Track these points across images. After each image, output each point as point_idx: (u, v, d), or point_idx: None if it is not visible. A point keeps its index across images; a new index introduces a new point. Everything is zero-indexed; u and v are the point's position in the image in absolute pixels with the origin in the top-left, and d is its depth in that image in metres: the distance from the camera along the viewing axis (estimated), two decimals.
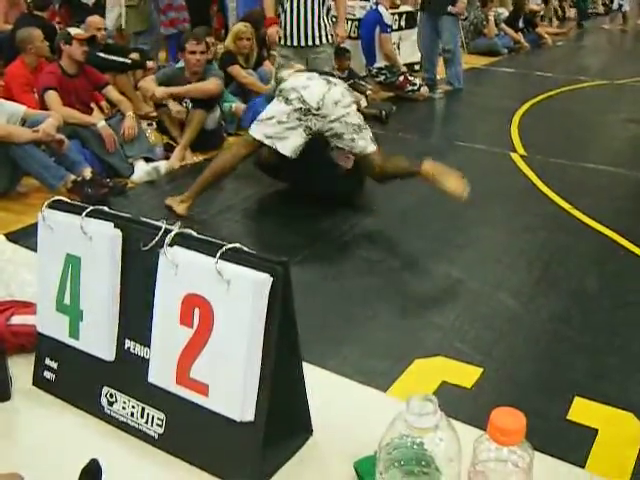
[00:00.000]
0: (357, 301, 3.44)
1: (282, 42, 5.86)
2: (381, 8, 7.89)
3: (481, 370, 2.86)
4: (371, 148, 4.22)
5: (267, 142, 4.10)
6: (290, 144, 4.11)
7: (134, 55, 6.92)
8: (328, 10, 5.88)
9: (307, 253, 3.95)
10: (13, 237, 1.63)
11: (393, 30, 8.40)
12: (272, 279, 0.93)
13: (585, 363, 2.95)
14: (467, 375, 2.83)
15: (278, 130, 4.09)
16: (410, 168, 4.24)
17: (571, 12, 16.71)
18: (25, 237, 1.59)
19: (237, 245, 0.97)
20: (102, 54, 6.41)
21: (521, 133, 6.55)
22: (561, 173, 5.50)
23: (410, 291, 3.58)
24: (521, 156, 5.83)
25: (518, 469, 0.84)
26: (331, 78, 4.28)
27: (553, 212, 4.68)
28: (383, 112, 6.84)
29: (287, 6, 5.77)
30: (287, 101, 4.09)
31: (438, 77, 8.49)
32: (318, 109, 4.09)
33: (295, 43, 5.81)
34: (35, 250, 1.24)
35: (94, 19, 6.80)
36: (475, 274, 3.77)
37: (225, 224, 4.39)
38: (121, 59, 6.60)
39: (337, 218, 4.33)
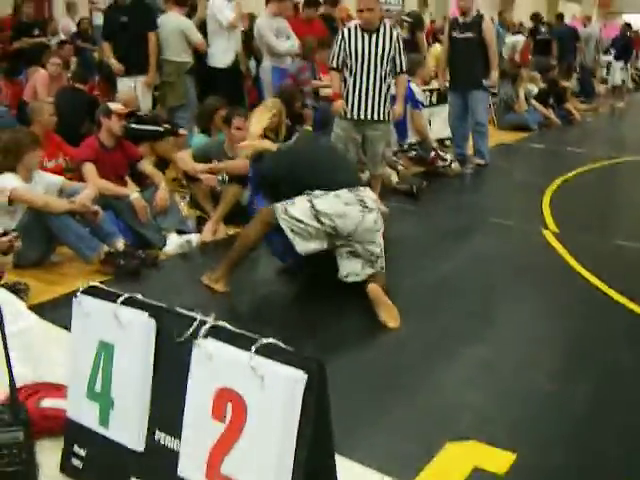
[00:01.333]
0: (387, 381, 3.39)
1: (342, 115, 6.08)
2: (413, 85, 8.02)
3: (514, 456, 2.79)
4: (369, 274, 4.20)
5: (289, 235, 4.09)
6: (308, 248, 4.13)
7: (167, 125, 7.06)
8: (389, 87, 6.07)
9: (333, 331, 3.92)
10: (43, 307, 1.64)
11: (425, 106, 8.50)
12: (307, 376, 0.92)
13: (624, 448, 2.86)
14: (500, 461, 2.75)
15: (303, 233, 4.10)
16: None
17: (601, 88, 16.82)
18: (56, 308, 1.60)
19: (272, 340, 0.96)
20: (135, 125, 6.55)
21: (553, 209, 6.53)
22: (594, 250, 5.45)
23: (441, 370, 3.52)
24: (553, 233, 5.80)
25: None
26: (366, 199, 4.23)
27: (586, 290, 4.62)
28: (414, 187, 6.88)
29: (350, 82, 6.07)
30: (319, 221, 4.09)
31: (469, 152, 8.55)
32: (349, 236, 4.15)
33: (355, 116, 6.03)
34: (65, 324, 1.24)
35: (126, 93, 7.01)
36: (507, 353, 3.72)
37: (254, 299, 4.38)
38: (153, 127, 6.74)
39: (357, 294, 4.29)
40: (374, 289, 4.02)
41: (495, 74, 7.98)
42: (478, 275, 4.85)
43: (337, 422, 1.01)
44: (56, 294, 4.24)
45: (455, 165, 8.01)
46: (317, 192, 4.17)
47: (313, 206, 4.11)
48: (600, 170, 8.62)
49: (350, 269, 4.20)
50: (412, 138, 8.09)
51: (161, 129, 6.86)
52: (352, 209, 4.14)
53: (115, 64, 7.58)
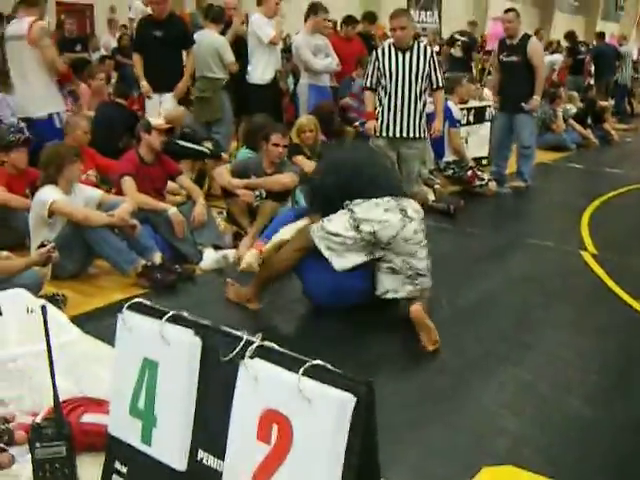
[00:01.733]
0: (422, 402, 3.36)
1: (377, 133, 6.10)
2: (450, 103, 7.99)
3: None
4: (416, 294, 4.10)
5: (326, 253, 4.05)
6: (345, 263, 4.06)
7: (208, 144, 7.12)
8: (424, 105, 6.08)
9: (372, 351, 3.89)
10: (80, 319, 1.64)
11: (462, 125, 8.47)
12: (355, 399, 0.90)
13: None
14: None
15: (340, 249, 4.04)
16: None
17: None
18: (93, 320, 1.60)
19: (319, 362, 0.95)
20: (180, 141, 6.61)
21: (591, 231, 6.45)
22: (633, 272, 5.37)
23: (477, 394, 3.48)
24: (592, 255, 5.72)
25: None
26: (408, 208, 4.14)
27: (626, 313, 4.55)
28: (451, 207, 6.85)
29: (385, 101, 6.14)
30: (357, 229, 4.02)
31: (506, 172, 8.49)
32: (388, 244, 4.05)
33: (391, 134, 6.06)
34: (101, 336, 1.24)
35: (173, 111, 7.06)
36: (544, 377, 3.66)
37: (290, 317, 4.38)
38: (199, 147, 6.80)
39: (397, 312, 4.25)
40: (416, 310, 3.90)
41: (537, 99, 7.84)
42: (515, 296, 4.79)
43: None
44: (93, 306, 4.28)
45: (492, 184, 7.95)
46: (357, 200, 4.10)
47: (352, 215, 4.05)
48: (639, 191, 8.50)
49: (389, 286, 4.12)
50: (449, 157, 8.06)
51: (206, 151, 6.91)
52: (392, 216, 4.04)
53: (145, 86, 7.42)
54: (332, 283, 4.20)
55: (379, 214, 4.04)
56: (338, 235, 4.04)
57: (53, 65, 6.49)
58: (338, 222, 4.07)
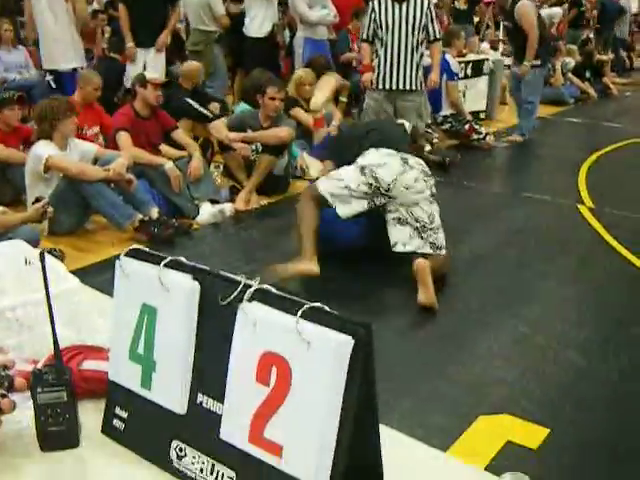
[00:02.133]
0: (419, 354, 3.39)
1: (373, 86, 6.04)
2: (448, 56, 7.92)
3: (548, 431, 2.78)
4: (427, 250, 4.10)
5: (330, 200, 4.09)
6: (349, 210, 4.11)
7: (215, 105, 7.03)
8: (421, 57, 6.01)
9: (369, 301, 3.91)
10: (79, 274, 1.64)
11: (459, 78, 8.40)
12: (354, 341, 0.90)
13: None
14: (533, 435, 2.74)
15: (344, 193, 4.08)
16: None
17: (639, 62, 16.48)
18: (91, 275, 1.60)
19: (318, 304, 0.95)
20: (189, 100, 6.53)
21: (589, 185, 6.44)
22: (631, 226, 5.37)
23: (474, 345, 3.51)
24: (589, 208, 5.72)
25: None
26: (410, 159, 4.22)
27: (622, 267, 4.56)
28: (446, 159, 6.82)
29: (381, 52, 6.05)
30: (362, 171, 4.09)
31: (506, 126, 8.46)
32: (387, 190, 4.08)
33: (387, 87, 6.02)
34: (101, 290, 1.24)
35: (192, 66, 6.97)
36: (541, 329, 3.69)
37: None
38: (203, 110, 6.70)
39: (393, 265, 4.26)
40: (419, 264, 3.92)
41: (526, 65, 7.73)
42: (512, 250, 4.81)
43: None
44: (90, 261, 4.28)
45: (490, 138, 7.92)
46: (364, 152, 4.26)
47: (357, 164, 4.17)
48: (637, 145, 8.47)
49: (397, 237, 4.14)
50: (446, 110, 8.01)
51: (208, 115, 6.82)
52: (393, 161, 4.16)
53: (131, 48, 7.19)
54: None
55: (380, 160, 4.15)
56: (341, 180, 4.11)
57: (84, 20, 6.45)
58: (343, 170, 4.19)
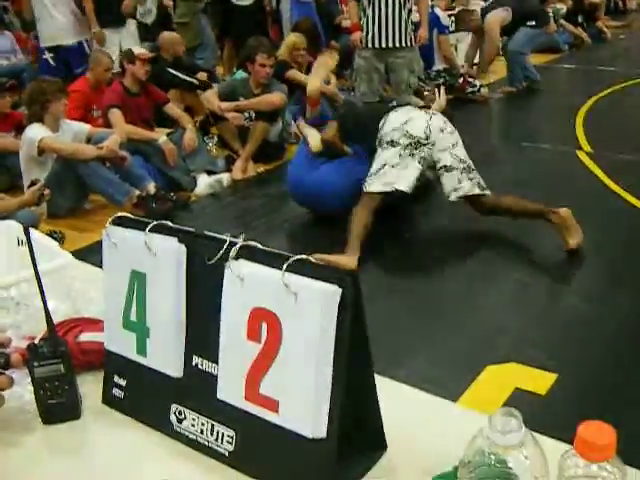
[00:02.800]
0: (422, 307, 3.39)
1: (363, 44, 5.96)
2: (437, 10, 7.82)
3: (555, 376, 2.78)
4: (476, 191, 4.10)
5: (388, 189, 4.03)
6: (407, 181, 4.05)
7: (202, 74, 6.98)
8: (409, 13, 5.92)
9: (370, 260, 3.90)
10: (79, 254, 1.64)
11: (450, 32, 8.31)
12: (341, 290, 0.90)
13: None
14: (541, 381, 2.75)
15: (394, 173, 4.03)
16: (538, 210, 4.08)
17: (632, 3, 16.24)
18: (92, 254, 1.59)
19: (304, 256, 0.94)
20: (172, 70, 6.47)
21: (587, 130, 6.39)
22: (630, 169, 5.34)
23: (477, 296, 3.51)
24: (588, 154, 5.69)
25: None
26: (427, 110, 4.30)
27: (623, 210, 4.55)
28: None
29: (369, 11, 5.93)
30: (393, 143, 4.05)
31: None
32: (427, 138, 4.06)
33: (376, 45, 5.94)
34: (101, 267, 1.24)
35: (169, 36, 6.90)
36: (543, 277, 3.70)
37: (289, 233, 4.38)
38: (189, 79, 6.65)
39: (399, 222, 4.26)
40: (566, 213, 3.93)
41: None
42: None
43: (375, 346, 1.00)
44: (91, 241, 4.27)
45: (484, 90, 7.86)
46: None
47: (380, 140, 4.16)
48: (634, 88, 8.39)
49: (450, 185, 4.13)
50: (439, 65, 7.92)
51: (195, 82, 6.76)
52: (415, 112, 4.22)
53: (98, 33, 6.83)
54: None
55: (402, 117, 4.17)
56: (383, 166, 4.06)
57: None
58: (376, 159, 4.13)
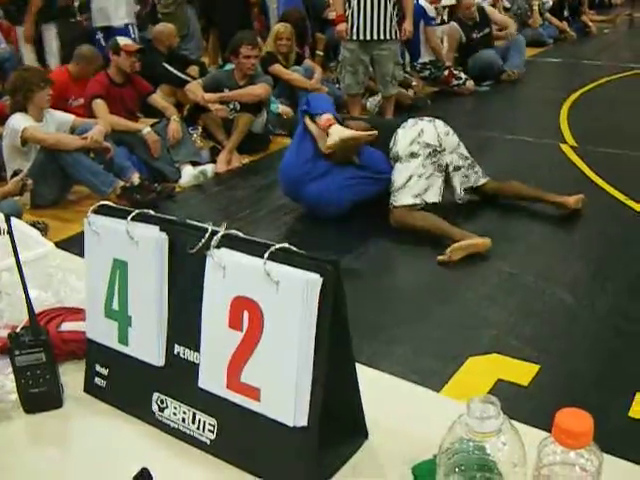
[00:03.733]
0: (407, 299, 3.40)
1: (348, 37, 5.94)
2: (422, 1, 7.80)
3: (538, 367, 2.80)
4: (480, 181, 4.39)
5: (418, 201, 4.08)
6: (435, 191, 4.14)
7: (194, 68, 6.95)
8: (394, 5, 5.90)
9: (356, 252, 3.91)
10: (63, 245, 1.63)
11: (437, 24, 8.29)
12: (322, 279, 0.90)
13: None
14: (523, 373, 2.77)
15: (421, 184, 4.08)
16: (542, 196, 4.41)
17: None
18: (76, 245, 1.59)
19: (285, 245, 0.94)
20: (166, 65, 6.43)
21: (570, 124, 6.42)
22: (613, 163, 5.37)
23: (461, 287, 3.52)
24: (571, 147, 5.72)
25: (586, 473, 0.79)
26: (424, 117, 4.38)
27: (606, 203, 4.57)
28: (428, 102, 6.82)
29: (354, 3, 5.90)
30: (414, 155, 4.11)
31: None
32: (440, 145, 4.17)
33: (361, 37, 5.92)
34: (84, 257, 1.23)
35: (164, 28, 6.87)
36: (528, 268, 3.71)
37: (274, 224, 4.37)
38: (182, 75, 6.60)
39: (385, 216, 4.26)
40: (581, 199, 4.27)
41: None
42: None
43: (358, 338, 1.00)
44: (74, 232, 4.25)
45: (469, 83, 7.87)
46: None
47: (396, 157, 4.18)
48: (618, 82, 8.43)
49: (459, 183, 4.32)
50: (425, 57, 7.91)
51: (189, 80, 6.70)
52: (424, 123, 4.26)
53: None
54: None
55: (413, 130, 4.21)
56: (410, 178, 4.09)
57: None
58: (399, 174, 4.14)
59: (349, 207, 4.23)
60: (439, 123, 4.29)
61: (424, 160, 4.10)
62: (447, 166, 4.23)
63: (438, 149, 4.16)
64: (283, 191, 4.44)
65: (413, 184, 4.09)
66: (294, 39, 6.86)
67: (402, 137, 4.20)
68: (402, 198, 4.09)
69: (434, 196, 4.11)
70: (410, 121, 4.32)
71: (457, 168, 4.28)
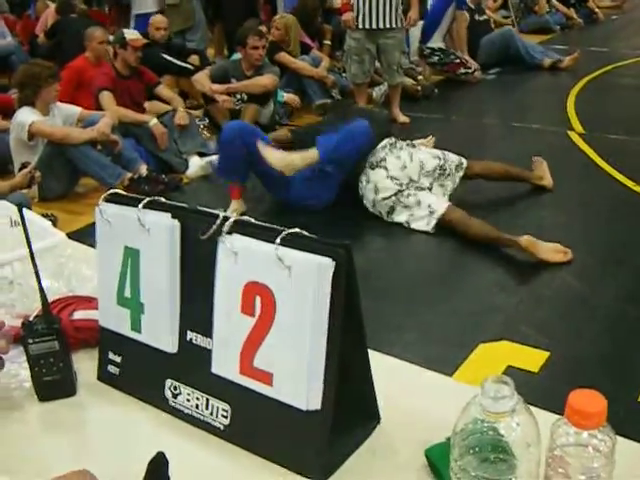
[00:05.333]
0: (417, 286, 3.40)
1: (354, 25, 5.92)
2: None
3: (548, 354, 2.80)
4: (460, 173, 4.33)
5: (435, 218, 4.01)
6: (442, 199, 4.16)
7: (194, 57, 6.96)
8: None
9: (365, 239, 3.92)
10: (73, 237, 1.64)
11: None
12: (334, 263, 0.90)
13: None
14: (533, 359, 2.77)
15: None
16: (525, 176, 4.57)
17: None
18: (85, 236, 1.60)
19: (297, 230, 0.94)
20: (165, 55, 6.45)
21: (578, 111, 6.39)
22: (621, 150, 5.35)
23: (471, 274, 3.52)
24: (579, 134, 5.69)
25: (599, 454, 0.80)
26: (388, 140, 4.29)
27: (615, 190, 4.56)
28: (434, 91, 6.78)
29: None
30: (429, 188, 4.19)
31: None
32: (404, 182, 4.13)
33: (367, 26, 5.89)
34: (95, 247, 1.23)
35: (157, 18, 6.89)
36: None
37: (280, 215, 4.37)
38: (182, 64, 6.62)
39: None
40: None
41: None
42: (499, 183, 4.77)
43: (368, 325, 1.00)
44: (83, 224, 4.26)
45: (478, 74, 7.81)
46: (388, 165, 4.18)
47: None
48: (625, 69, 8.38)
49: (442, 192, 4.26)
50: (437, 43, 7.81)
51: (190, 67, 6.72)
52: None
53: None
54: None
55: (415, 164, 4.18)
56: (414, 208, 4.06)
57: None
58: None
59: (331, 197, 4.26)
60: (390, 165, 4.14)
61: (407, 190, 4.08)
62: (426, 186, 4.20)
63: (405, 184, 4.10)
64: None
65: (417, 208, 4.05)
66: (294, 30, 6.84)
67: (387, 159, 4.16)
68: (439, 206, 4.02)
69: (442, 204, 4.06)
70: (402, 152, 4.22)
71: (428, 187, 4.19)
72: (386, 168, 4.10)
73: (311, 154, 4.08)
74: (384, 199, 4.07)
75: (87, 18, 7.64)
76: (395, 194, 4.04)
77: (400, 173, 4.09)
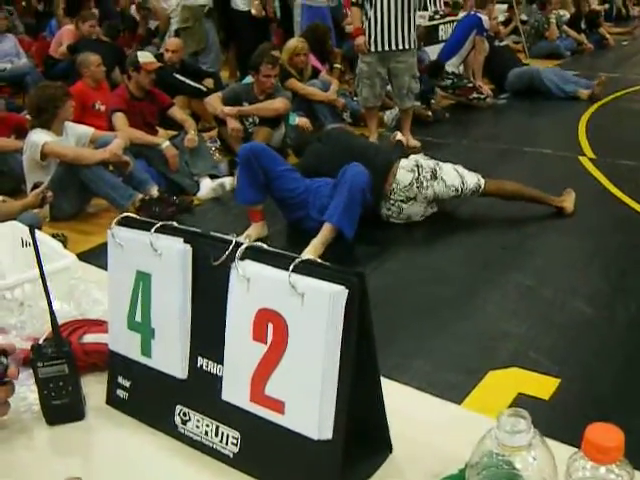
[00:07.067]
0: (426, 312, 3.38)
1: (366, 49, 5.95)
2: (480, 14, 7.89)
3: (558, 381, 2.77)
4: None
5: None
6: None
7: (209, 80, 7.01)
8: (411, 16, 5.90)
9: (373, 265, 3.90)
10: (82, 257, 1.64)
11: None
12: (348, 291, 0.90)
13: None
14: (544, 386, 2.74)
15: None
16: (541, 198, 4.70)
17: (635, 10, 16.23)
18: (95, 257, 1.60)
19: (309, 257, 0.94)
20: (179, 75, 6.51)
21: (589, 136, 6.39)
22: (633, 175, 5.34)
23: (480, 301, 3.50)
24: (590, 159, 5.69)
25: None
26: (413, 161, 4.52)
27: (626, 215, 4.54)
28: (445, 115, 6.80)
29: (371, 14, 5.89)
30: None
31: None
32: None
33: (379, 48, 5.90)
34: (105, 269, 1.23)
35: (171, 41, 6.99)
36: (547, 281, 3.68)
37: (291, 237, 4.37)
38: (196, 85, 6.67)
39: (401, 227, 4.26)
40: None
41: None
42: (514, 204, 4.76)
43: (378, 350, 0.99)
44: (94, 244, 4.27)
45: (490, 100, 7.83)
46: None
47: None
48: (636, 94, 8.38)
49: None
50: (452, 67, 7.87)
51: (203, 89, 6.76)
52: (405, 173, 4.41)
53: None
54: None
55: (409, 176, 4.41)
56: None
57: None
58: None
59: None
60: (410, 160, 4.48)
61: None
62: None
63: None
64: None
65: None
66: (309, 54, 6.88)
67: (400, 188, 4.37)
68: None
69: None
70: (400, 166, 4.43)
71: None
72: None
73: (326, 232, 4.04)
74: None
75: (104, 42, 7.72)
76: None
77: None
